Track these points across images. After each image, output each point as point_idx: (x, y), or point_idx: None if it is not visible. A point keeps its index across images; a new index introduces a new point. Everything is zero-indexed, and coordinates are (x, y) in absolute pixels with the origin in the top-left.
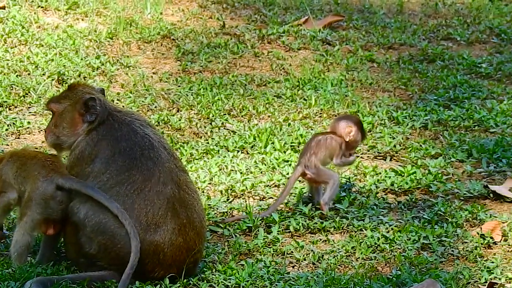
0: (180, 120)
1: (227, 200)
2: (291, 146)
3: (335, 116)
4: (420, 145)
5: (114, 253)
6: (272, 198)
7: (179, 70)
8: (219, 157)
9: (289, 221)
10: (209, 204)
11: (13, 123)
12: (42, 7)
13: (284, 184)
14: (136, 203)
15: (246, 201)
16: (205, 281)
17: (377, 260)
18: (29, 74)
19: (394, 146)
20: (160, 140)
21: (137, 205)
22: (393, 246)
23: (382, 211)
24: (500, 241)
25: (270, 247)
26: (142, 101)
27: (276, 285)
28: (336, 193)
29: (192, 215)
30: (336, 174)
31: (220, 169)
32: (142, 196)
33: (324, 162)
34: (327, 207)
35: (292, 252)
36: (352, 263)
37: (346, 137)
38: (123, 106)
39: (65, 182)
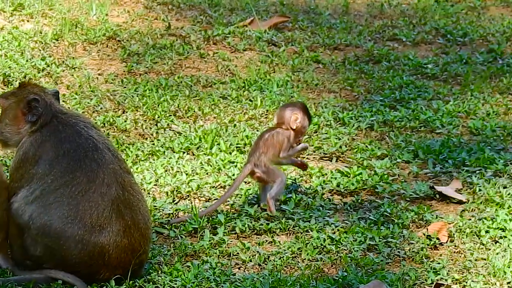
0: (125, 121)
1: (173, 201)
2: (237, 147)
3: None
4: (366, 146)
5: (59, 255)
6: (218, 199)
7: (124, 71)
8: (165, 158)
9: (235, 222)
10: (154, 206)
11: None
12: None
13: (230, 185)
14: (80, 204)
15: (192, 203)
16: (151, 283)
17: (323, 261)
18: None
19: (340, 147)
20: (105, 142)
21: (82, 207)
22: (339, 247)
23: (328, 212)
24: (446, 242)
25: (216, 249)
26: (88, 103)
27: (222, 286)
28: (282, 191)
29: (137, 217)
30: (283, 174)
31: (166, 171)
32: (87, 198)
33: (274, 160)
34: (272, 201)
35: (238, 253)
36: (298, 264)
37: (293, 125)
38: (68, 108)
39: None
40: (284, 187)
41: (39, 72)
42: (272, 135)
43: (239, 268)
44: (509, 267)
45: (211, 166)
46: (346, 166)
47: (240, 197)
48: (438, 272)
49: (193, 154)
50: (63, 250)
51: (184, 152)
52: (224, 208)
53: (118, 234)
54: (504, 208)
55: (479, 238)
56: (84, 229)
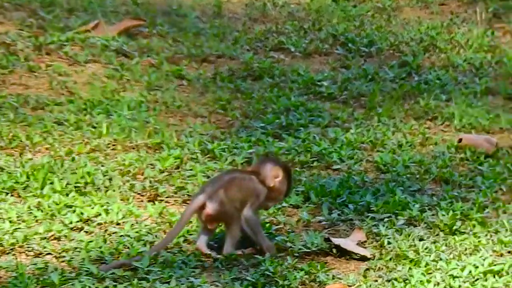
0: None
1: None
2: (75, 187)
3: (132, 148)
4: None
5: None
6: (52, 254)
7: None
8: None
9: (73, 284)
10: None
11: None
12: None
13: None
14: None
15: (16, 258)
16: None
17: None
18: None
19: None
20: None
21: None
22: None
23: (194, 271)
24: None
25: None
26: None
27: None
28: (237, 239)
29: None
30: (239, 217)
31: None
32: None
33: (232, 204)
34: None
35: None
36: None
37: (271, 182)
38: None
39: None
40: (238, 235)
41: None
42: (244, 177)
43: None
44: None
45: (42, 211)
46: None
47: (79, 251)
48: None
49: (19, 196)
50: None
51: (7, 193)
52: (58, 264)
53: None
54: (419, 266)
55: None
56: None
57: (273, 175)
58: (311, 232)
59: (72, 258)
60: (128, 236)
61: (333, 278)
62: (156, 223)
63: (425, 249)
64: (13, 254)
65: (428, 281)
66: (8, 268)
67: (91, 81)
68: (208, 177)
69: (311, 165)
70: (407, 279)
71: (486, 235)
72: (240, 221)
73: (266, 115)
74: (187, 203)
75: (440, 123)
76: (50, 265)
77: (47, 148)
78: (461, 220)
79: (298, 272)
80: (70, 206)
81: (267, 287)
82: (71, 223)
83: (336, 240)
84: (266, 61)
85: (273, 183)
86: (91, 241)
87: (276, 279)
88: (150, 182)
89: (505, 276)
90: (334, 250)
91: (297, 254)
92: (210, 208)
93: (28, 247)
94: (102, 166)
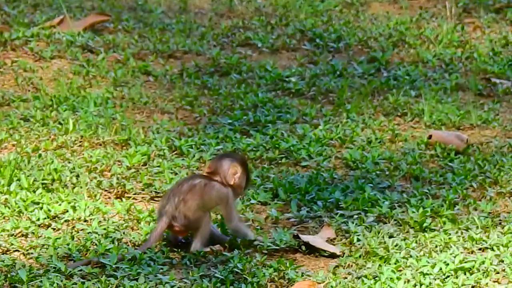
0: None
1: None
2: (42, 183)
3: (99, 144)
4: None
5: None
6: (19, 250)
7: None
8: None
9: (41, 281)
10: None
11: None
12: None
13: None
14: None
15: None
16: None
17: None
18: None
19: None
20: None
21: None
22: None
23: (162, 268)
24: None
25: None
26: None
27: None
28: (207, 239)
29: None
30: (206, 214)
31: None
32: None
33: (196, 211)
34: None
35: None
36: None
37: (230, 179)
38: None
39: None
40: (208, 233)
41: None
42: (203, 184)
43: None
44: None
45: (9, 208)
46: None
47: (47, 248)
48: None
49: None
50: None
51: None
52: (26, 261)
53: None
54: (389, 264)
55: None
56: None
57: (232, 172)
58: (280, 229)
59: (40, 255)
60: (96, 233)
61: (302, 275)
62: (123, 220)
63: (395, 246)
64: None
65: (398, 278)
66: None
67: (57, 77)
68: (176, 173)
69: (280, 161)
70: (377, 276)
71: (457, 232)
72: (208, 219)
73: (233, 111)
74: (156, 200)
75: (410, 119)
76: (18, 262)
77: (13, 145)
78: (431, 217)
79: (267, 269)
80: (37, 203)
81: (236, 284)
82: (38, 220)
83: (305, 237)
84: (233, 57)
85: (233, 181)
86: (58, 238)
87: (244, 276)
88: (118, 178)
89: (476, 273)
90: (303, 247)
91: (265, 251)
92: (177, 225)
93: None
94: (69, 162)
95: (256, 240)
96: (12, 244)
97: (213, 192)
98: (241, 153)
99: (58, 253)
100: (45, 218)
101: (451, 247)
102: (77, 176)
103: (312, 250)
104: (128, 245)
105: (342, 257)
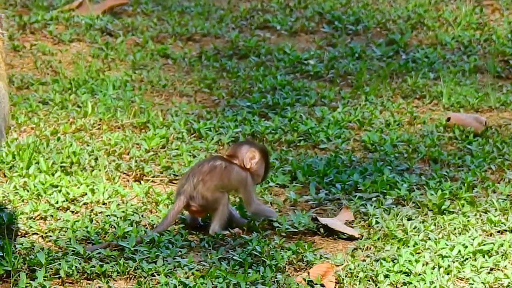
0: None
1: None
2: (61, 167)
3: (118, 127)
4: None
5: None
6: (38, 233)
7: None
8: None
9: (59, 264)
10: None
11: None
12: None
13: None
14: None
15: (2, 238)
16: None
17: None
18: None
19: None
20: None
21: None
22: None
23: (180, 251)
24: None
25: None
26: None
27: None
28: (225, 219)
29: None
30: (225, 195)
31: None
32: None
33: (214, 192)
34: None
35: None
36: None
37: (247, 163)
38: None
39: None
40: (226, 215)
41: None
42: (223, 166)
43: None
44: None
45: (27, 191)
46: None
47: (65, 231)
48: None
49: (5, 176)
50: None
51: None
52: (45, 244)
53: None
54: (408, 246)
55: (376, 285)
56: None
57: (249, 157)
58: (298, 212)
59: (59, 238)
60: (115, 215)
61: (320, 258)
62: (142, 202)
63: (414, 228)
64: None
65: (417, 261)
66: None
67: (76, 60)
68: (195, 156)
69: (298, 144)
70: (395, 259)
71: (475, 214)
72: (226, 201)
73: (252, 94)
74: (174, 183)
75: (428, 101)
76: (37, 245)
77: (32, 128)
78: (450, 200)
79: (285, 252)
80: (56, 186)
81: (254, 267)
82: (57, 203)
83: (323, 220)
84: (251, 39)
85: (249, 165)
86: (77, 221)
87: (263, 258)
88: (136, 161)
89: (495, 256)
90: (322, 230)
91: (284, 234)
92: (194, 205)
93: (14, 227)
94: (88, 145)
95: (277, 220)
96: (31, 227)
97: (232, 174)
98: (262, 144)
99: (76, 236)
100: (63, 201)
101: (469, 229)
102: (96, 159)
103: (330, 233)
104: (147, 228)
105: (361, 239)
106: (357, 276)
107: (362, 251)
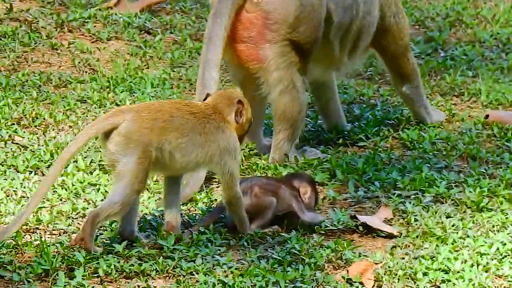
0: None
1: (15, 236)
2: (99, 165)
3: None
4: (267, 164)
5: None
6: (77, 232)
7: None
8: (6, 179)
9: (98, 263)
10: None
11: None
12: None
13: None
14: None
15: (41, 237)
16: None
17: None
18: None
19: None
20: None
21: None
22: None
23: (219, 250)
24: None
25: None
26: None
27: None
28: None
29: None
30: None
31: (8, 196)
32: None
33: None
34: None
35: None
36: None
37: (304, 200)
38: None
39: None
40: (268, 221)
41: None
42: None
43: None
44: None
45: (66, 189)
46: None
47: (104, 230)
48: None
49: (43, 174)
50: None
51: (31, 172)
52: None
53: None
54: (447, 244)
55: (415, 283)
56: None
57: (302, 192)
58: (337, 210)
59: (97, 236)
60: (153, 214)
61: (359, 256)
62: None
63: (452, 226)
64: (38, 233)
65: (456, 259)
66: (34, 246)
67: (114, 58)
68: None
69: (337, 142)
70: (434, 257)
71: None
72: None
73: None
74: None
75: (467, 99)
76: None
77: (70, 126)
78: (489, 197)
79: (324, 250)
80: (94, 185)
81: (293, 265)
82: (95, 201)
83: (362, 218)
84: None
85: (305, 200)
86: (115, 220)
87: (302, 257)
88: None
89: None
90: (361, 228)
91: (323, 232)
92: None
93: (53, 227)
94: None
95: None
96: (69, 226)
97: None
98: (305, 172)
99: (115, 234)
100: (102, 200)
101: (508, 227)
102: None
103: (369, 231)
104: (187, 226)
105: (399, 237)
106: (396, 274)
107: (401, 249)
